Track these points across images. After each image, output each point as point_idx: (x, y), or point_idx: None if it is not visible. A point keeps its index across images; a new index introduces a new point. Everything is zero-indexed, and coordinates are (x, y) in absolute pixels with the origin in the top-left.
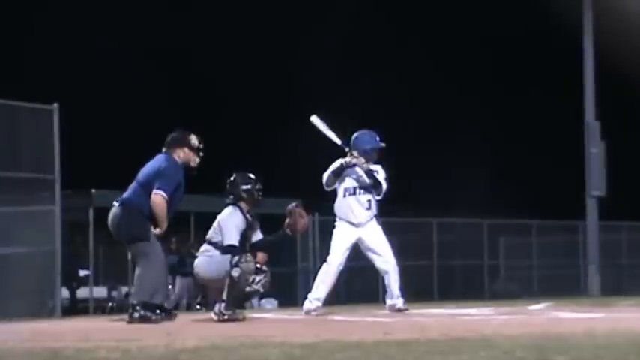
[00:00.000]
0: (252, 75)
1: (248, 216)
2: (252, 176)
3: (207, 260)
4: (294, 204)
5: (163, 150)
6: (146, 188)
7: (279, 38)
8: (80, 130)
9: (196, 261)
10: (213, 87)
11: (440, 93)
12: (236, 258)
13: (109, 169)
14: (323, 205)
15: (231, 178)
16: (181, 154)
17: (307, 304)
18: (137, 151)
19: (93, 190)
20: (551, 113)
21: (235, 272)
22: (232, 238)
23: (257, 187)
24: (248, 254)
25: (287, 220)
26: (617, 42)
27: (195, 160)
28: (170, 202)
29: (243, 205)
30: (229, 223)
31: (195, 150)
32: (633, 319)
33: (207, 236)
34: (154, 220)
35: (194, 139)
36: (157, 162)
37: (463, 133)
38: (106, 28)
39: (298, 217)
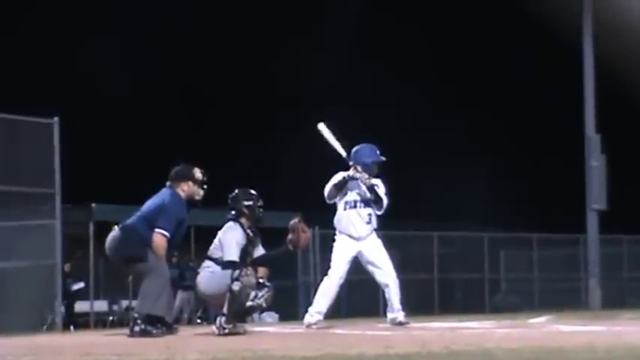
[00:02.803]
0: (255, 90)
1: (249, 231)
2: (253, 192)
3: (208, 276)
4: (296, 219)
5: (167, 184)
6: (148, 221)
7: (282, 48)
8: (80, 143)
9: (198, 277)
10: (214, 101)
11: (441, 106)
12: (237, 272)
13: (109, 183)
14: (324, 218)
15: (233, 194)
16: (185, 188)
17: (308, 318)
18: (137, 165)
19: (93, 204)
20: (552, 126)
21: (236, 286)
22: (232, 254)
23: (258, 203)
24: (249, 268)
25: (289, 236)
26: (617, 54)
27: (199, 194)
28: (171, 240)
29: (244, 220)
30: (229, 239)
31: (200, 183)
32: (635, 332)
33: (209, 252)
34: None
35: (198, 173)
36: (161, 197)
37: (464, 147)
38: (107, 42)
39: (301, 232)
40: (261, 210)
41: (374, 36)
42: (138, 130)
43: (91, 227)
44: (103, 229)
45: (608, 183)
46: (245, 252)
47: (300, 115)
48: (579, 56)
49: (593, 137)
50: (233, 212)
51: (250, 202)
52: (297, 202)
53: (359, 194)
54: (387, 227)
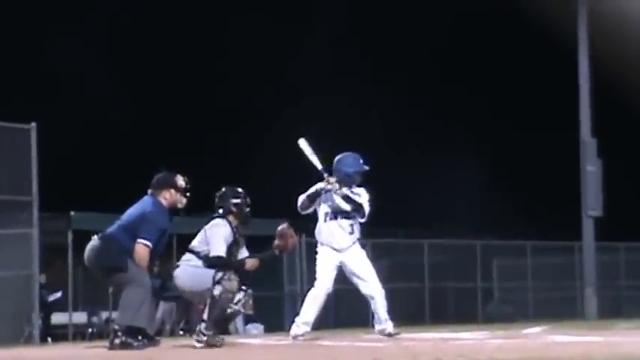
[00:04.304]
0: (239, 96)
1: (236, 230)
2: (241, 190)
3: (190, 271)
4: (285, 225)
5: (149, 191)
6: (129, 231)
7: (268, 53)
8: (59, 150)
9: (177, 270)
10: (197, 109)
11: (432, 113)
12: (219, 275)
13: (88, 191)
14: (310, 227)
15: (221, 191)
16: (167, 196)
17: (295, 329)
18: (117, 173)
19: (72, 213)
20: (547, 130)
21: (217, 290)
22: (219, 250)
23: (246, 201)
24: (232, 272)
25: (276, 242)
26: (613, 56)
27: (182, 202)
28: (154, 250)
29: (231, 218)
30: (217, 234)
31: (182, 191)
32: (632, 343)
33: (191, 245)
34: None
35: (180, 180)
36: (142, 205)
37: (455, 152)
38: (86, 48)
39: (289, 237)
40: (249, 208)
41: (360, 29)
42: (118, 137)
43: (70, 236)
44: (82, 238)
45: (604, 188)
46: (230, 251)
47: (285, 123)
48: (574, 59)
49: (588, 141)
50: (220, 210)
51: (238, 200)
52: (281, 209)
53: (332, 206)
54: (377, 235)
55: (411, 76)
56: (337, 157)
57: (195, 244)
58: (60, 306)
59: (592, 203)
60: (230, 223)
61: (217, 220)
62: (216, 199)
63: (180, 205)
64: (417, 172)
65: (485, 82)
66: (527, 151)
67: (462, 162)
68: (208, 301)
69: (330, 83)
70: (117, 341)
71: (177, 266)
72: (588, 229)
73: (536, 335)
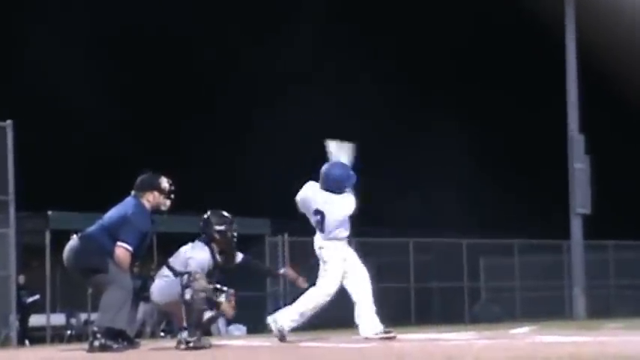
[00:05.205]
0: (215, 94)
1: (218, 257)
2: (227, 215)
3: (162, 285)
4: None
5: (132, 193)
6: (109, 231)
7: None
8: (36, 148)
9: (153, 285)
10: (175, 105)
11: (417, 110)
12: (185, 278)
13: (66, 190)
14: (293, 225)
15: (206, 216)
16: (151, 198)
17: (287, 322)
18: (96, 171)
19: (50, 212)
20: (534, 127)
21: (187, 294)
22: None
23: (232, 227)
24: (197, 272)
25: (290, 275)
26: (601, 51)
27: (165, 204)
28: (134, 253)
29: (214, 245)
30: (194, 261)
31: (166, 193)
32: (621, 343)
33: (170, 261)
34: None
35: (164, 182)
36: (124, 207)
37: (441, 149)
38: (64, 47)
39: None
40: (234, 235)
41: (345, 22)
42: (96, 136)
43: (48, 236)
44: (61, 238)
45: (592, 186)
46: (209, 279)
47: (272, 118)
48: (562, 54)
49: (576, 138)
50: (204, 236)
51: (223, 227)
52: (262, 208)
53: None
54: (361, 234)
55: (394, 72)
56: (324, 169)
57: (173, 262)
58: (38, 308)
59: (580, 201)
60: (212, 250)
61: (199, 243)
62: (201, 224)
63: (163, 208)
64: (403, 170)
65: (474, 81)
66: (515, 148)
67: (448, 160)
68: (183, 307)
69: (315, 75)
70: (96, 343)
71: (153, 280)
72: (576, 227)
73: (523, 335)
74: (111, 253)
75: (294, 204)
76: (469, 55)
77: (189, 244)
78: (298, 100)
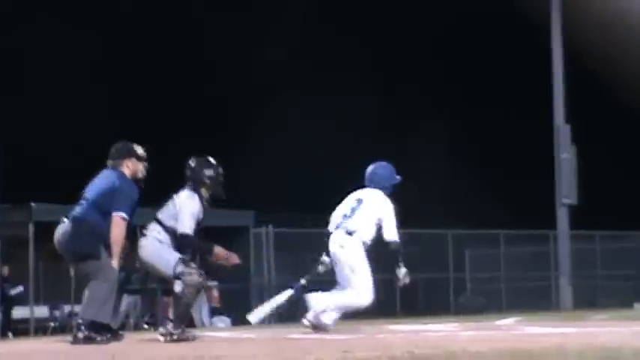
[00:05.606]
0: (202, 86)
1: (206, 204)
2: (212, 160)
3: (156, 247)
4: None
5: (109, 163)
6: (99, 207)
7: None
8: (19, 140)
9: (143, 240)
10: (159, 99)
11: (402, 101)
12: (180, 268)
13: (50, 182)
14: (277, 217)
15: (192, 163)
16: (130, 165)
17: (326, 319)
18: (79, 163)
19: (33, 204)
20: (520, 116)
21: (178, 287)
22: (187, 227)
23: (220, 171)
24: (192, 266)
25: (220, 253)
26: (587, 40)
27: (142, 171)
28: (129, 223)
29: (203, 191)
30: (186, 210)
31: (143, 159)
32: (607, 334)
33: (159, 215)
34: (107, 245)
35: (140, 149)
36: (109, 178)
37: (426, 140)
38: (46, 40)
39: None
40: (222, 179)
41: (328, 21)
42: (79, 127)
43: (31, 228)
44: (44, 230)
45: (579, 176)
46: (199, 227)
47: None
48: (548, 43)
49: (562, 127)
50: (191, 183)
51: (212, 172)
52: (249, 200)
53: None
54: None
55: (378, 65)
56: (372, 168)
57: (162, 216)
58: (21, 300)
59: (566, 191)
60: (201, 197)
61: (188, 193)
62: (187, 171)
63: (140, 175)
64: (387, 159)
65: (458, 70)
66: (501, 138)
67: (433, 149)
68: (172, 299)
69: (291, 77)
70: (80, 335)
71: (144, 235)
72: (563, 217)
73: (509, 326)
74: (103, 232)
75: (278, 196)
76: (451, 43)
77: (177, 195)
78: (280, 98)
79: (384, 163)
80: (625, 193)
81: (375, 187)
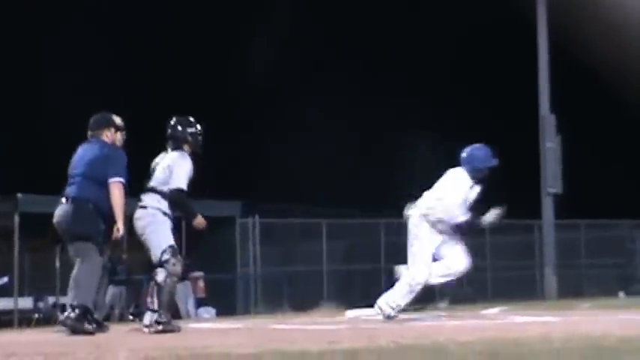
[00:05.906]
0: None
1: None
2: (192, 119)
3: (154, 222)
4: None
5: (89, 134)
6: (94, 179)
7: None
8: (4, 130)
9: (142, 212)
10: (147, 90)
11: (389, 92)
12: (165, 256)
13: (36, 173)
14: (264, 207)
15: (174, 121)
16: (109, 134)
17: (387, 308)
18: (65, 153)
19: (19, 195)
20: (505, 105)
21: (161, 276)
22: (182, 182)
23: (199, 128)
24: (179, 257)
25: (202, 222)
26: (572, 29)
27: (120, 140)
28: (126, 187)
29: (186, 148)
30: (181, 168)
31: (121, 129)
32: (592, 322)
33: (153, 184)
34: (108, 218)
35: (118, 119)
36: (93, 149)
37: (411, 129)
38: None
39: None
40: (201, 138)
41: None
42: (65, 117)
43: (16, 219)
44: (29, 221)
45: (564, 165)
46: (190, 188)
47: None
48: (533, 32)
49: (547, 117)
50: (172, 141)
51: (194, 129)
52: (237, 190)
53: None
54: (332, 215)
55: (367, 59)
56: (468, 149)
57: (156, 183)
58: (5, 291)
59: (551, 181)
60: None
61: (178, 153)
62: (169, 130)
63: (118, 144)
64: (373, 150)
65: (444, 60)
66: (485, 126)
67: (417, 139)
68: (155, 289)
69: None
70: (72, 315)
71: (143, 207)
72: (548, 206)
73: (494, 316)
74: (105, 208)
75: (264, 186)
76: (437, 36)
77: (161, 158)
78: (268, 87)
79: (479, 145)
80: (609, 182)
81: (466, 168)
